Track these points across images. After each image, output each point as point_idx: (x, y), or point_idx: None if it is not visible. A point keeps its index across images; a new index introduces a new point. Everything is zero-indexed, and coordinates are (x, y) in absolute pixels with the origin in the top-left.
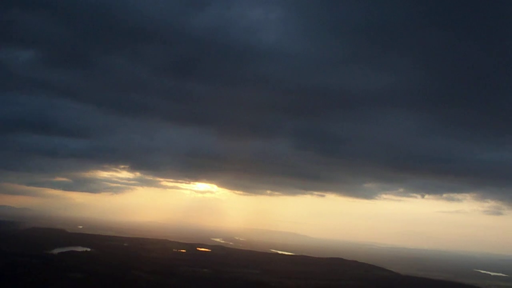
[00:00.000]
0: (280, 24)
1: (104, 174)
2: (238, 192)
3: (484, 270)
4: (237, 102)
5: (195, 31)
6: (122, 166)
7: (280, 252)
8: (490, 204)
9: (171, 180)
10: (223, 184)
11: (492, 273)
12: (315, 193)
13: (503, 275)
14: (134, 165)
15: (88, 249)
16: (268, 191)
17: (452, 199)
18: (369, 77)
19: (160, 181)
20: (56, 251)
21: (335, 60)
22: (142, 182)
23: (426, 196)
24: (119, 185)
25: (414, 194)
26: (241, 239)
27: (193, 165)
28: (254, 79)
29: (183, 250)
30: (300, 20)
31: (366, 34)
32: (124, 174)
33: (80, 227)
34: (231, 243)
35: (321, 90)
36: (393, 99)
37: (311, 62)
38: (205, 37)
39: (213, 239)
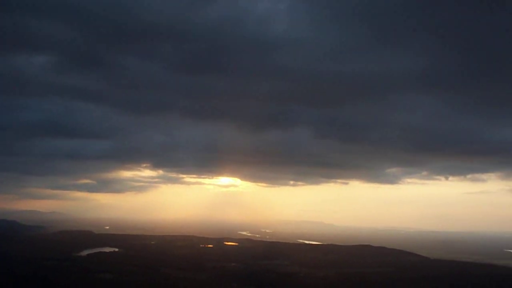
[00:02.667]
0: (290, 12)
1: (127, 174)
2: (262, 184)
3: None
4: (255, 94)
5: (207, 25)
6: (144, 165)
7: (307, 242)
8: None
9: (194, 176)
10: (246, 177)
11: None
12: (339, 181)
13: None
14: (156, 163)
15: (116, 249)
16: (291, 182)
17: (476, 180)
18: (387, 61)
19: (183, 177)
20: (84, 253)
21: (351, 47)
22: (166, 180)
23: (450, 178)
24: (142, 184)
25: (438, 177)
26: (267, 231)
27: (215, 160)
28: (270, 70)
29: (211, 245)
30: (309, 7)
31: (380, 17)
32: (147, 172)
33: (107, 227)
34: (258, 235)
35: (338, 76)
36: (412, 83)
37: (328, 48)
38: (216, 31)
39: (239, 232)
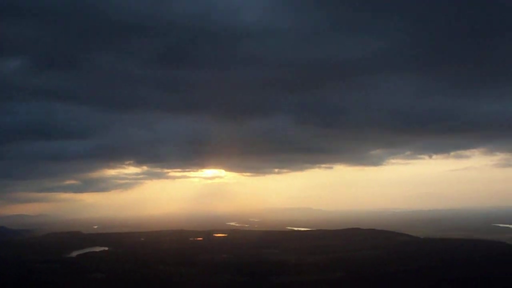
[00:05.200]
0: (262, 1)
1: (111, 172)
2: (247, 174)
3: (503, 223)
4: (232, 84)
5: (178, 18)
6: (128, 162)
7: (296, 228)
8: (499, 157)
9: (179, 170)
10: (230, 168)
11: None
12: (323, 165)
13: None
14: (140, 160)
15: (106, 248)
16: (276, 170)
17: (460, 156)
18: (362, 44)
19: (168, 172)
20: (74, 253)
21: (323, 31)
22: (151, 175)
23: (434, 156)
24: (128, 181)
25: (422, 156)
26: (256, 220)
27: (198, 153)
28: (245, 59)
29: (200, 238)
30: None
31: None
32: (131, 169)
33: (96, 227)
34: (246, 225)
35: (314, 62)
36: (389, 64)
37: (299, 35)
38: (189, 24)
39: (228, 223)
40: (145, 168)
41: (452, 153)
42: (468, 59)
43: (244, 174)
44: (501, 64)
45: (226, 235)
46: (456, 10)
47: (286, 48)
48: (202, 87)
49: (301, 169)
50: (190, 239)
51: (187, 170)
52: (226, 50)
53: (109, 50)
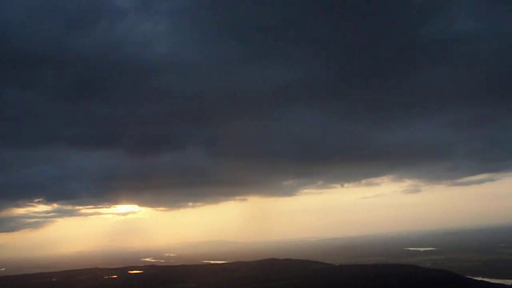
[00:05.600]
0: (170, 34)
1: (19, 211)
2: (161, 208)
3: (413, 247)
4: (142, 117)
5: (86, 51)
6: (37, 200)
7: (212, 261)
8: (407, 183)
9: (91, 206)
10: (144, 203)
11: (421, 249)
12: (237, 197)
13: (432, 248)
14: (50, 197)
15: None
16: (190, 203)
17: (371, 184)
18: (275, 75)
19: (79, 209)
20: None
21: (232, 63)
22: (62, 213)
23: (346, 184)
24: (37, 219)
25: (334, 185)
26: (171, 254)
27: (110, 188)
28: (154, 92)
29: (115, 276)
30: (189, 28)
31: (259, 32)
32: (40, 207)
33: (3, 269)
34: (162, 260)
35: (224, 94)
36: (297, 94)
37: (208, 68)
38: (96, 57)
39: (143, 259)
40: (55, 205)
41: (363, 181)
42: (372, 90)
43: (158, 209)
44: (409, 94)
45: (141, 271)
46: (362, 43)
47: (197, 81)
48: (113, 121)
49: (216, 201)
50: (105, 277)
51: (99, 206)
52: (136, 83)
53: (16, 83)
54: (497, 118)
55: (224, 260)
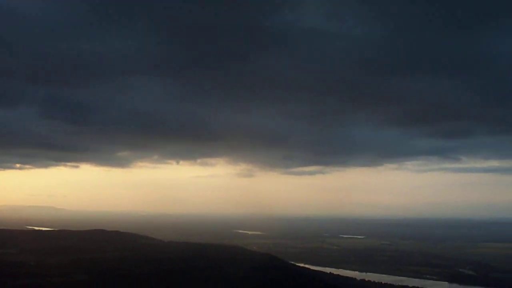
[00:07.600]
0: None
1: None
2: None
3: (242, 230)
4: None
5: None
6: None
7: (37, 228)
8: (242, 167)
9: None
10: None
11: (250, 232)
12: (69, 164)
13: (260, 233)
14: None
15: None
16: (18, 165)
17: (206, 164)
18: (121, 43)
19: None
20: None
21: (78, 24)
22: None
23: (181, 162)
24: None
25: (169, 161)
26: None
27: None
28: None
29: None
30: None
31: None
32: None
33: None
34: None
35: (67, 55)
36: (139, 66)
37: (50, 25)
38: None
39: None
40: None
41: (198, 160)
42: (221, 71)
43: None
44: (253, 80)
45: None
46: (215, 23)
47: (36, 37)
48: None
49: (46, 166)
50: None
51: None
52: None
53: None
54: (334, 114)
55: (50, 227)
